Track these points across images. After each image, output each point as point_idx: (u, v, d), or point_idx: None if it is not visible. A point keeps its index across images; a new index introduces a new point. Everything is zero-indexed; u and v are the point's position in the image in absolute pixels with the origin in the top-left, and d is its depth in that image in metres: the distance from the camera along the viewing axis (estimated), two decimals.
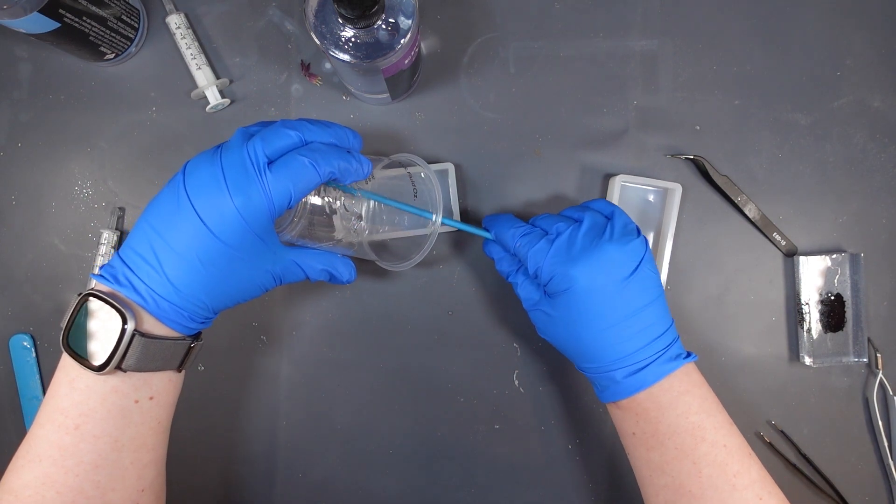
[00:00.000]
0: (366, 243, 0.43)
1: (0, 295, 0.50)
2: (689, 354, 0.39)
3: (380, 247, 0.49)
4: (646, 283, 0.37)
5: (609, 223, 0.39)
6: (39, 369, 0.50)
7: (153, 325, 0.34)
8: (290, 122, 0.35)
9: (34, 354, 0.50)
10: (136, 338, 0.32)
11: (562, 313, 0.38)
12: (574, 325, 0.38)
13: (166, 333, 0.34)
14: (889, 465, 0.49)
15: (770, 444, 0.50)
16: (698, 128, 0.50)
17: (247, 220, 0.32)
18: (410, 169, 0.45)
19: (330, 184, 0.38)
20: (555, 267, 0.38)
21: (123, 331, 0.32)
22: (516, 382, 0.50)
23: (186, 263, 0.32)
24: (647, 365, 0.37)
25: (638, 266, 0.37)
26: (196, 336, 0.37)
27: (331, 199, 0.39)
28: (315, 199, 0.38)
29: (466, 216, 0.50)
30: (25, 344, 0.50)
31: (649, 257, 0.38)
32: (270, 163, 0.33)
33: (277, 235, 0.36)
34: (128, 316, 0.32)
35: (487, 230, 0.43)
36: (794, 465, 0.50)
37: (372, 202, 0.43)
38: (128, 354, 0.32)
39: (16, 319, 0.50)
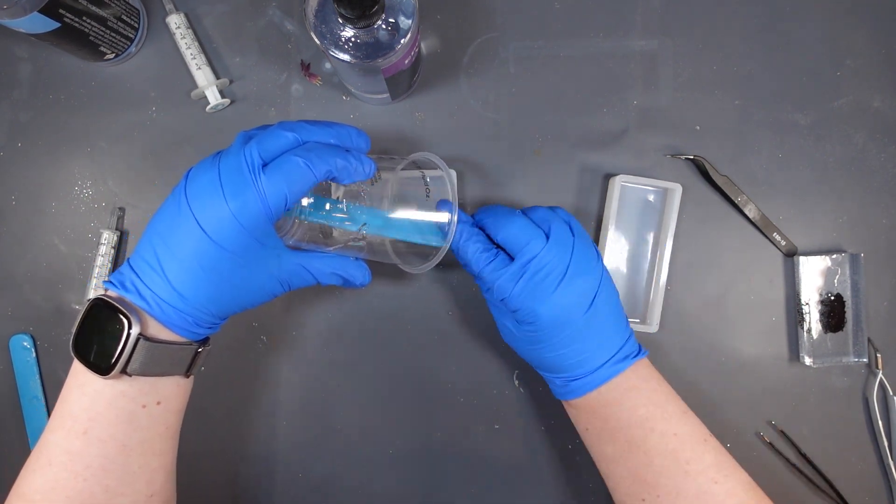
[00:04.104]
0: (389, 246, 0.42)
1: (0, 295, 0.50)
2: (639, 352, 0.40)
3: (381, 247, 0.47)
4: (605, 307, 0.39)
5: (571, 254, 0.38)
6: (39, 369, 0.50)
7: (158, 330, 0.34)
8: (288, 124, 0.35)
9: (34, 354, 0.50)
10: (141, 342, 0.32)
11: (526, 336, 0.40)
12: (537, 346, 0.40)
13: (172, 338, 0.34)
14: (889, 465, 0.49)
15: (770, 444, 0.50)
16: (698, 128, 0.50)
17: (244, 224, 0.32)
18: (428, 172, 0.43)
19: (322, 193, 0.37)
20: (520, 302, 0.38)
21: (129, 335, 0.32)
22: (516, 382, 0.50)
23: (188, 269, 0.32)
24: (597, 368, 0.39)
25: (596, 294, 0.38)
26: (203, 341, 0.36)
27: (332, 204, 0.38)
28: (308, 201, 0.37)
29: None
30: (25, 344, 0.50)
31: (607, 280, 0.39)
32: (266, 165, 0.33)
33: (281, 239, 0.35)
34: (133, 320, 0.32)
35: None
36: (794, 465, 0.50)
37: (379, 202, 0.41)
38: (133, 358, 0.32)
39: (16, 319, 0.50)
